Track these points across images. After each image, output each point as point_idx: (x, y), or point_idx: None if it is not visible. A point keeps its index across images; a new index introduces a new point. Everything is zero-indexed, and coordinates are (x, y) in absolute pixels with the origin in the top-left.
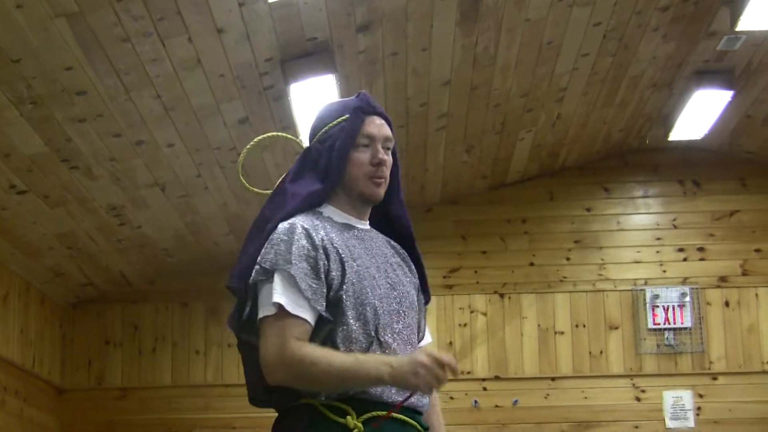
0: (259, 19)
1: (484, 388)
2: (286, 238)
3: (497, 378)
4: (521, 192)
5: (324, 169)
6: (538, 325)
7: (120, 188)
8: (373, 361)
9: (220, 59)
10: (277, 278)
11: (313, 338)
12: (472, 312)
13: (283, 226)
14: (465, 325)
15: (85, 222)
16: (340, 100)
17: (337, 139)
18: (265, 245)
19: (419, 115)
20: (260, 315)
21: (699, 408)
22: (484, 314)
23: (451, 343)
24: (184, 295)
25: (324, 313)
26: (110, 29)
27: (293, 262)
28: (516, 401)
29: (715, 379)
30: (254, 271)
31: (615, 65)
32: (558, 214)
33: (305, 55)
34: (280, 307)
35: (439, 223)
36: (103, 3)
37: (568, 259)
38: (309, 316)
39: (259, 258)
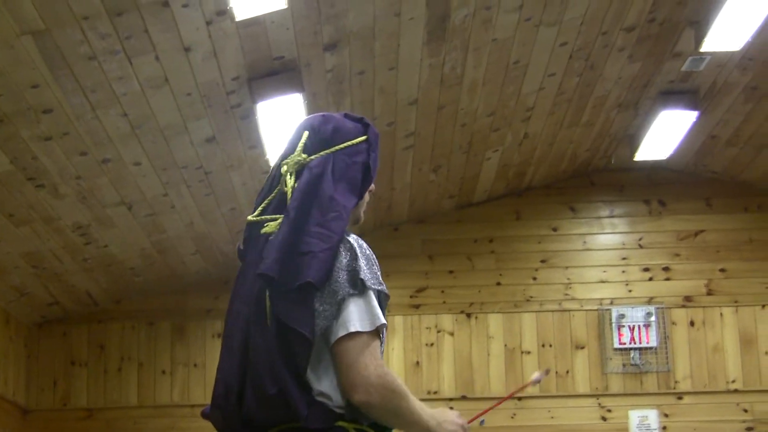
0: (226, 37)
1: (451, 408)
2: (368, 255)
3: (464, 398)
4: (488, 211)
5: (358, 186)
6: (505, 345)
7: (86, 207)
8: (428, 410)
9: (187, 78)
10: (371, 297)
11: None
12: (438, 332)
13: (359, 241)
14: (432, 344)
15: (50, 241)
16: (342, 115)
17: (368, 159)
18: (354, 258)
19: (386, 134)
20: (354, 329)
21: (664, 427)
22: (451, 334)
23: (418, 363)
24: (150, 314)
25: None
26: (77, 47)
27: (383, 283)
28: (482, 421)
29: (680, 398)
30: (345, 281)
31: (581, 85)
32: (524, 234)
33: (272, 73)
34: (381, 327)
35: (406, 242)
36: (69, 21)
37: (534, 278)
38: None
39: (348, 269)
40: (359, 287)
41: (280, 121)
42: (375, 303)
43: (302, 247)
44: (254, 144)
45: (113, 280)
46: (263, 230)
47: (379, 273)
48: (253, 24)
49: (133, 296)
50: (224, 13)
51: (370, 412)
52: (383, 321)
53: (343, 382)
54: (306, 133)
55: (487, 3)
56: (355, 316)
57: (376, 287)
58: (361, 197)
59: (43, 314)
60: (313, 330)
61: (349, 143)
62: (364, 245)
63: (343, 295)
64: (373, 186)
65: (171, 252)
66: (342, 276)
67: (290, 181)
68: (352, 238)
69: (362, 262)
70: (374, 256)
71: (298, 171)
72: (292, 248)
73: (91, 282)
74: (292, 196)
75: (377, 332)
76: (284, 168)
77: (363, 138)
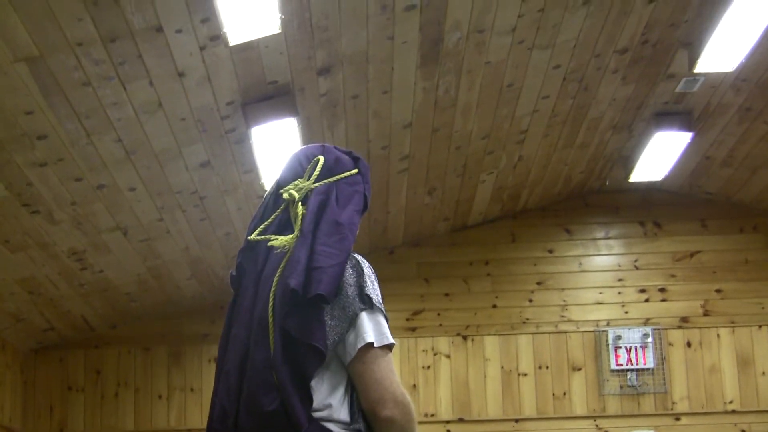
0: (220, 62)
1: (448, 431)
2: (373, 276)
3: (461, 420)
4: (483, 234)
5: (360, 212)
6: (502, 367)
7: (81, 232)
8: None
9: (182, 103)
10: (381, 318)
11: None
12: (435, 354)
13: (364, 260)
14: (428, 367)
15: (46, 267)
16: (335, 146)
17: (365, 189)
18: (360, 275)
19: (381, 158)
20: (370, 339)
21: None
22: (448, 356)
23: (414, 385)
24: (146, 339)
25: None
26: (71, 73)
27: (382, 304)
28: None
29: (677, 419)
30: (355, 296)
31: (575, 107)
32: (520, 256)
33: (266, 98)
34: (391, 346)
35: (401, 266)
36: (63, 47)
37: (530, 300)
38: None
39: (356, 285)
40: (368, 303)
41: (275, 146)
42: (383, 321)
43: (312, 264)
44: (249, 168)
45: (109, 306)
46: (271, 242)
47: (380, 293)
48: (247, 49)
49: (129, 321)
50: (218, 38)
51: (389, 429)
52: (392, 341)
53: (369, 397)
54: (322, 161)
55: (480, 26)
56: (370, 329)
57: (380, 307)
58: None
59: (39, 340)
60: (326, 343)
61: (348, 173)
62: (368, 264)
63: (354, 310)
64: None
65: (166, 277)
66: (351, 291)
67: (300, 206)
68: (358, 256)
69: (367, 280)
70: (377, 276)
71: (305, 197)
72: (305, 266)
73: (86, 307)
74: (304, 219)
75: (390, 350)
76: (287, 194)
77: (356, 170)
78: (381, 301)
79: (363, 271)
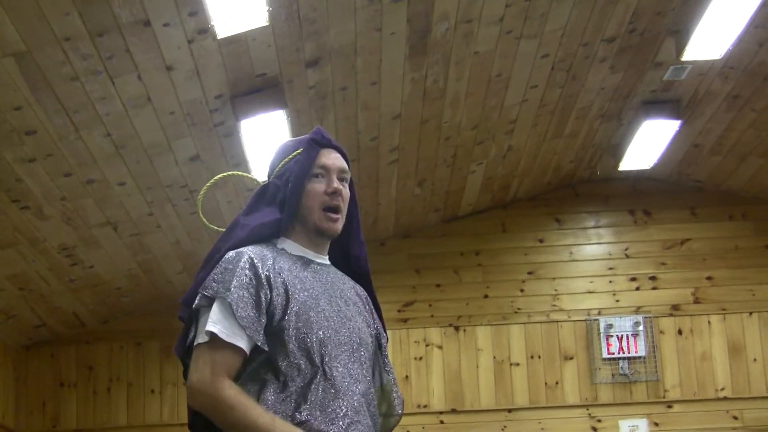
0: (209, 55)
1: (441, 422)
2: (230, 267)
3: (454, 411)
4: (474, 224)
5: (281, 202)
6: (494, 357)
7: (71, 228)
8: (287, 430)
9: (170, 96)
10: (215, 307)
11: (248, 365)
12: (427, 345)
13: (229, 254)
14: (420, 358)
15: (36, 263)
16: (297, 138)
17: (293, 172)
18: (210, 273)
19: (371, 149)
20: (196, 341)
21: None
22: (440, 347)
23: (407, 376)
24: (138, 334)
25: (260, 344)
26: (59, 68)
27: (232, 290)
28: None
29: (670, 407)
30: (197, 298)
31: (564, 97)
32: (511, 246)
33: (255, 91)
34: (213, 335)
35: (392, 257)
36: (51, 42)
37: (521, 290)
38: (244, 345)
39: (202, 286)
40: (201, 300)
41: (264, 139)
42: (213, 312)
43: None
44: (238, 161)
45: (100, 301)
46: None
47: (236, 281)
48: (235, 42)
49: (120, 317)
50: (206, 31)
51: (208, 417)
52: (211, 329)
53: None
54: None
55: (468, 16)
56: (199, 331)
57: (214, 294)
58: (293, 208)
59: (30, 336)
60: (183, 349)
61: (281, 165)
62: (231, 256)
63: (194, 311)
64: (338, 187)
65: (157, 271)
66: (198, 295)
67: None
68: (226, 255)
69: (215, 275)
70: (244, 265)
71: None
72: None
73: (77, 303)
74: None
75: (219, 340)
76: None
77: (297, 152)
78: (226, 287)
79: (213, 268)
